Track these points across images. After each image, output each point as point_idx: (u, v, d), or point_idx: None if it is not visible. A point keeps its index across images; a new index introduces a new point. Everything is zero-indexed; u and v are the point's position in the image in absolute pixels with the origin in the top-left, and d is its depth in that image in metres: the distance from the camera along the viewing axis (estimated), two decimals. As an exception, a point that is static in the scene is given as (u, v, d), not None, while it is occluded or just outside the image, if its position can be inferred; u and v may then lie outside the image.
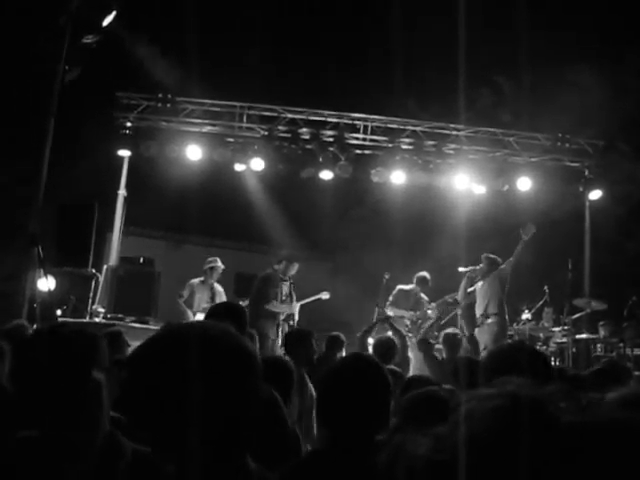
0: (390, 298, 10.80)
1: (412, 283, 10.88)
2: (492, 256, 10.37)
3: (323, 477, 2.29)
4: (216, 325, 1.60)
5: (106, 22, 8.65)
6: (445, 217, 14.19)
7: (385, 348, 7.12)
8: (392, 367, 5.84)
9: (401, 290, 10.87)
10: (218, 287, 10.76)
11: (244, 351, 1.56)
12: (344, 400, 2.50)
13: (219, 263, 10.71)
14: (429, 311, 10.71)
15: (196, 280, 10.71)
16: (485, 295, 10.14)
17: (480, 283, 10.31)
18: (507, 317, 10.11)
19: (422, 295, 10.89)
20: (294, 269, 10.17)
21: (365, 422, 2.47)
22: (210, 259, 10.81)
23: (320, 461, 2.39)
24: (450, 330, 8.44)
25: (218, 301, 10.24)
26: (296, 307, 10.04)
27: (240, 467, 1.55)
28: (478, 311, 10.18)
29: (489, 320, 9.97)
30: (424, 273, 10.94)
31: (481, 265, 10.28)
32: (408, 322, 10.53)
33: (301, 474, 2.13)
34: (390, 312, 10.68)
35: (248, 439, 1.55)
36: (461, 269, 10.59)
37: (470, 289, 10.44)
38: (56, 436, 1.99)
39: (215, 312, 4.44)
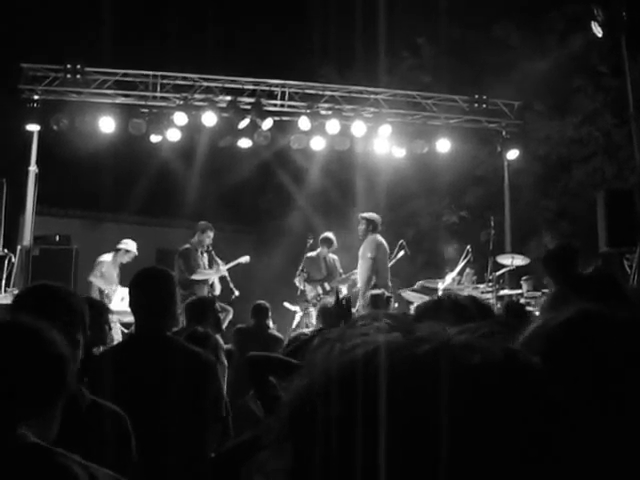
0: (299, 268, 10.73)
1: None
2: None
3: (132, 353, 3.46)
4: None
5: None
6: (366, 181, 14.15)
7: None
8: None
9: (308, 258, 10.77)
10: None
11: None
12: (142, 300, 3.53)
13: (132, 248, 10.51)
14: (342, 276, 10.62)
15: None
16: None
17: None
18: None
19: (331, 256, 10.77)
20: (209, 237, 10.12)
21: (155, 317, 3.50)
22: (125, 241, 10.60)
23: (130, 341, 3.92)
24: (375, 291, 8.26)
25: None
26: (224, 271, 10.06)
27: (10, 438, 1.65)
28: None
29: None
30: (327, 234, 10.79)
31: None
32: (321, 290, 10.47)
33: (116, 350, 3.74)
34: (297, 284, 10.64)
35: (20, 412, 1.67)
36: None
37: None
38: None
39: None
